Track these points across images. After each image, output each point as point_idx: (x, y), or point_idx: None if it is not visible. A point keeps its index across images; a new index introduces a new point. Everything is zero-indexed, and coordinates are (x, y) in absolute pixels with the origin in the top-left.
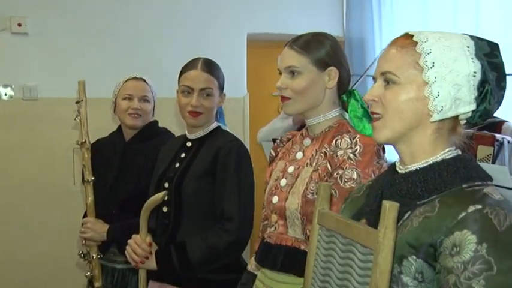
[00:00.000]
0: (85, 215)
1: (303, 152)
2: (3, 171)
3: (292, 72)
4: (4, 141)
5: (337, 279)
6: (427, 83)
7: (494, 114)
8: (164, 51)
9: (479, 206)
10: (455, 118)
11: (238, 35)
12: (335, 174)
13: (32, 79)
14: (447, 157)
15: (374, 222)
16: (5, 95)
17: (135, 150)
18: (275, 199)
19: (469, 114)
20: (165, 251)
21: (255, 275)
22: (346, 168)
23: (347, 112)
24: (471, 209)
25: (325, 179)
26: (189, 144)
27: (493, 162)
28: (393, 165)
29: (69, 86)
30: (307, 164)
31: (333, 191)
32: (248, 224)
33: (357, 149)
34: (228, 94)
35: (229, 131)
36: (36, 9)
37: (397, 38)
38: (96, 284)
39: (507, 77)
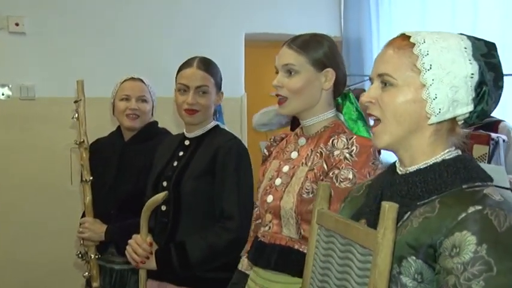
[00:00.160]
0: (83, 215)
1: (298, 152)
2: (0, 171)
3: (290, 72)
4: (1, 141)
5: (336, 279)
6: (424, 85)
7: (491, 114)
8: (162, 51)
9: (479, 207)
10: (453, 119)
11: (236, 35)
12: (331, 173)
13: (29, 79)
14: (447, 158)
15: (373, 223)
16: (2, 94)
17: (134, 151)
18: (270, 198)
19: (467, 115)
20: (165, 251)
21: (246, 275)
22: (342, 168)
23: (342, 114)
24: (471, 209)
25: (321, 178)
26: (187, 142)
27: (489, 161)
28: (393, 165)
29: (66, 85)
30: (302, 163)
31: None
32: (248, 222)
33: (353, 149)
34: (225, 94)
35: (227, 129)
36: (34, 9)
37: (394, 39)
38: (94, 284)
39: (504, 77)
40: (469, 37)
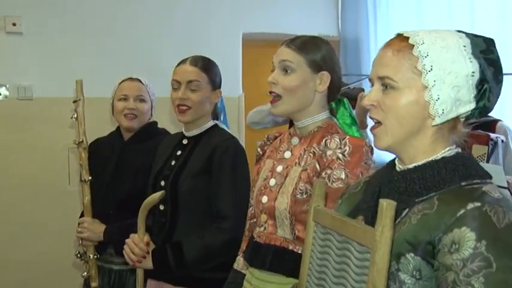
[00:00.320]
0: (82, 215)
1: (291, 151)
2: None
3: (286, 69)
4: (0, 141)
5: (333, 276)
6: (426, 87)
7: (489, 114)
8: (159, 51)
9: (478, 204)
10: (456, 117)
11: (234, 35)
12: (323, 173)
13: (26, 79)
14: (447, 155)
15: (371, 219)
16: (0, 94)
17: (133, 151)
18: (264, 199)
19: (469, 112)
20: (161, 251)
21: (242, 274)
22: (334, 168)
23: (336, 119)
24: (470, 206)
25: (314, 178)
26: (185, 141)
27: (487, 161)
28: (392, 162)
29: (64, 85)
30: (295, 163)
31: None
32: (244, 222)
33: (346, 150)
34: (223, 93)
35: (227, 129)
36: (31, 9)
37: (392, 40)
38: (93, 284)
39: (503, 76)
40: (468, 34)
